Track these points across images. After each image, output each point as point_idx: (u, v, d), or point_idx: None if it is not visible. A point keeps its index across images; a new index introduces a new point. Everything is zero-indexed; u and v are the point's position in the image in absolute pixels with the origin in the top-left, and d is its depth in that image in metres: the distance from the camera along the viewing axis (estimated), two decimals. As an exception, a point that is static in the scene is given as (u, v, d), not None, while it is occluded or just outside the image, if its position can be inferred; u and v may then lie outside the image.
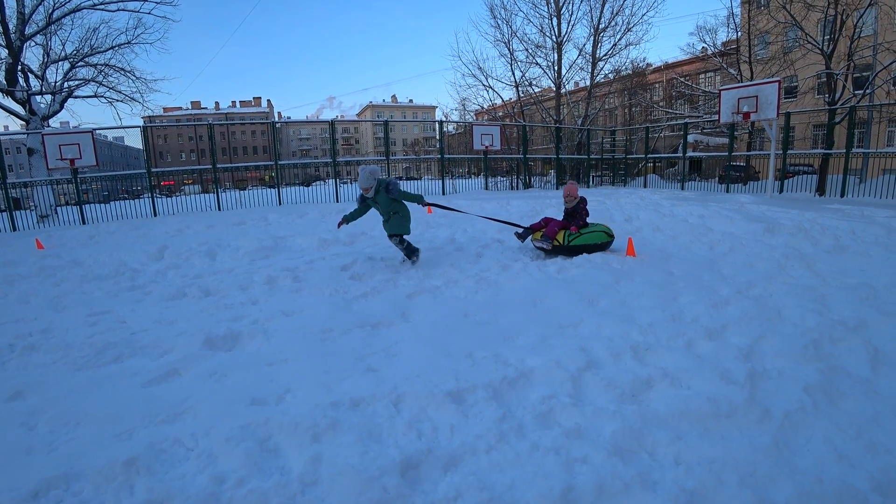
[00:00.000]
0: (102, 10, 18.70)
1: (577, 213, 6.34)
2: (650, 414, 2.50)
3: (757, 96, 12.26)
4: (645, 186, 18.53)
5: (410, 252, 6.04)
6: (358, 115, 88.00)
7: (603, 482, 1.98)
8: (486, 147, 16.67)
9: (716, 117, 14.63)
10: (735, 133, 16.58)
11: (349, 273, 5.71)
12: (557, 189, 18.38)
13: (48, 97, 18.83)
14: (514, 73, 22.53)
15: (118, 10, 18.84)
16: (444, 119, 20.23)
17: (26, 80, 18.34)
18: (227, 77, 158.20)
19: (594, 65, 22.19)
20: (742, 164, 18.06)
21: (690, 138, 21.84)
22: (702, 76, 32.40)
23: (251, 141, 76.27)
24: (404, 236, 6.03)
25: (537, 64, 22.37)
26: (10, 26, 17.23)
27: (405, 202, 5.96)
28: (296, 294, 4.95)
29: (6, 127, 53.85)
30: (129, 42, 19.41)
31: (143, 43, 19.85)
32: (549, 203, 11.39)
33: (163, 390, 2.99)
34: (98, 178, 16.13)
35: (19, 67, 17.79)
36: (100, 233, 10.79)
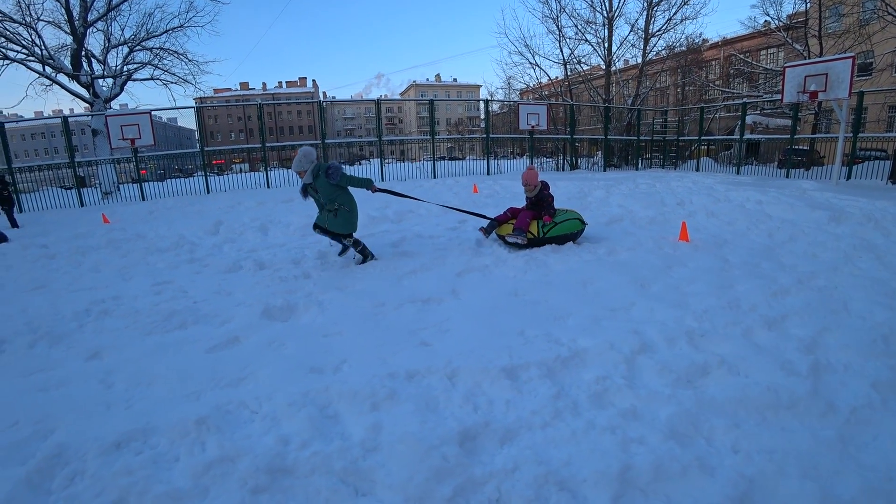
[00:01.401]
0: None
1: (542, 200, 5.79)
2: (706, 400, 2.45)
3: (826, 74, 11.39)
4: (697, 170, 17.75)
5: (363, 253, 5.22)
6: (402, 94, 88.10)
7: (660, 463, 1.97)
8: (533, 127, 16.35)
9: (777, 97, 13.77)
10: (799, 114, 15.56)
11: (398, 250, 5.77)
12: (605, 171, 17.88)
13: (109, 80, 19.85)
14: (562, 51, 21.86)
15: None
16: (489, 98, 19.93)
17: (90, 64, 19.38)
18: (273, 58, 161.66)
19: (647, 41, 21.21)
20: (805, 147, 16.98)
21: (748, 119, 20.68)
22: (763, 52, 30.39)
23: (297, 121, 77.93)
24: (354, 235, 5.23)
25: (587, 41, 21.59)
26: (74, 13, 18.16)
27: (351, 192, 5.17)
28: (346, 269, 5.08)
29: (72, 110, 57.24)
30: (181, 25, 20.14)
31: (195, 26, 20.57)
32: (596, 185, 11.11)
33: (225, 356, 3.17)
34: (155, 157, 16.93)
35: (83, 53, 18.80)
36: (158, 208, 11.39)
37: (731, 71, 28.15)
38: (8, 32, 17.60)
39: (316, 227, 5.18)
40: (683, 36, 22.52)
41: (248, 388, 2.69)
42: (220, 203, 11.48)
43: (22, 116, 42.48)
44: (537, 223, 5.69)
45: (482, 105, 17.27)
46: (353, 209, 5.14)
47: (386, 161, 16.05)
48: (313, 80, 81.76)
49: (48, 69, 18.55)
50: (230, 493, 1.91)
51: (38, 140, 70.37)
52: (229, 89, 74.94)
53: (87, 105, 19.81)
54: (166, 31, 20.02)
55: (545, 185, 5.88)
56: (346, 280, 4.58)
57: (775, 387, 2.50)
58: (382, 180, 15.49)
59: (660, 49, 22.13)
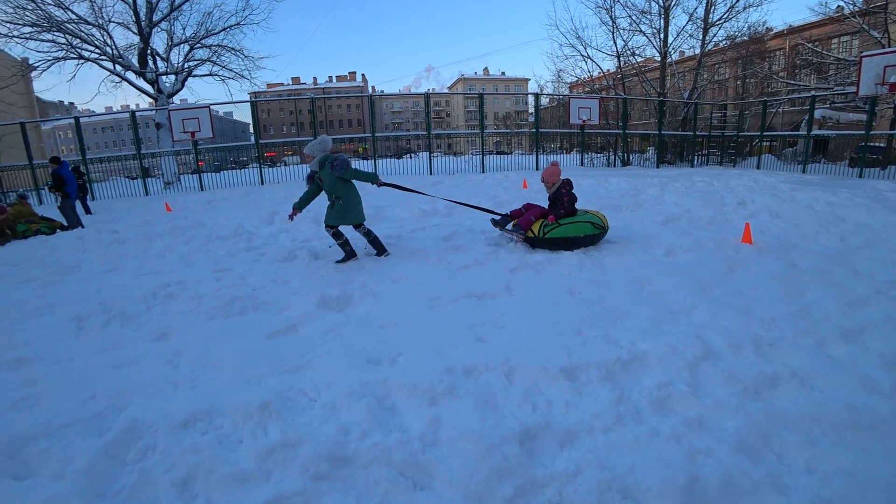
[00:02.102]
0: None
1: (558, 199, 5.47)
2: (777, 413, 2.32)
3: (910, 64, 10.53)
4: (758, 168, 16.82)
5: (345, 248, 5.22)
6: (449, 88, 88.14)
7: (730, 478, 1.87)
8: (584, 121, 15.98)
9: (850, 90, 12.78)
10: (876, 108, 14.41)
11: (450, 244, 5.76)
12: (658, 168, 17.26)
13: (172, 77, 21.01)
14: (615, 42, 21.15)
15: None
16: (539, 92, 19.64)
17: (154, 62, 20.61)
18: (324, 53, 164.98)
19: (706, 31, 20.22)
20: (881, 144, 15.75)
21: (817, 114, 19.35)
22: (835, 41, 28.28)
23: (346, 115, 79.72)
24: (339, 228, 5.20)
25: (641, 31, 20.76)
26: (141, 14, 19.35)
27: (355, 186, 5.20)
28: (400, 262, 5.12)
29: (137, 105, 60.86)
30: (238, 23, 21.08)
31: (251, 24, 21.46)
32: (650, 182, 10.74)
33: (284, 343, 3.26)
34: (212, 150, 17.71)
35: (149, 51, 19.99)
36: (216, 198, 11.91)
37: (798, 61, 26.38)
38: (83, 34, 18.95)
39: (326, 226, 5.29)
40: (746, 25, 21.28)
41: (306, 375, 2.76)
42: (274, 194, 11.88)
43: (94, 111, 45.48)
44: (541, 222, 5.36)
45: (530, 99, 17.01)
46: (351, 204, 5.10)
47: (433, 155, 16.12)
48: (362, 75, 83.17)
49: (118, 67, 19.87)
50: (292, 478, 1.95)
51: (108, 133, 75.05)
52: (282, 84, 77.32)
53: (151, 100, 21.05)
54: (224, 29, 21.00)
55: (565, 184, 5.51)
56: (400, 272, 4.62)
57: (854, 404, 2.33)
58: (431, 174, 15.58)
59: (719, 39, 21.05)
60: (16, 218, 9.87)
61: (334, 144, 5.52)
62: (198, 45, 21.18)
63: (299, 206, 5.27)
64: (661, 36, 20.27)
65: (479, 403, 2.24)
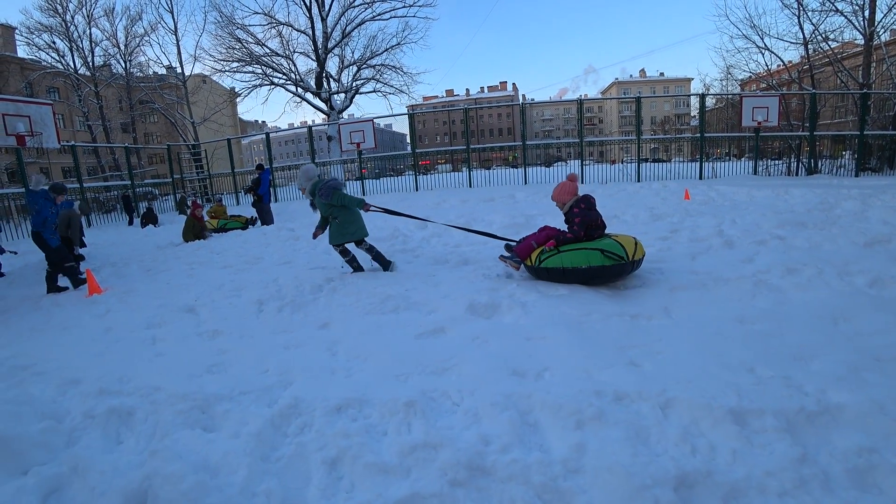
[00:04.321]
0: (379, 20, 23.18)
1: (569, 221, 4.57)
2: None
3: None
4: None
5: (352, 265, 5.60)
6: (602, 92, 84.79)
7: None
8: (759, 123, 14.00)
9: None
10: None
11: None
12: (857, 176, 14.32)
13: (342, 95, 23.88)
14: (801, 28, 17.86)
15: (391, 17, 23.17)
16: (704, 91, 17.72)
17: (328, 83, 23.66)
18: (476, 64, 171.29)
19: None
20: None
21: None
22: None
23: (497, 123, 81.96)
24: (346, 245, 5.52)
25: (837, 10, 17.02)
26: (318, 44, 22.39)
27: (351, 208, 5.37)
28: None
29: (313, 121, 70.13)
30: (399, 43, 23.45)
31: (409, 42, 23.74)
32: (846, 194, 8.95)
33: (431, 344, 3.40)
34: (373, 158, 19.50)
35: (324, 74, 23.06)
36: (375, 203, 13.03)
37: None
38: (274, 64, 22.93)
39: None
40: None
41: (451, 379, 2.82)
42: (428, 200, 12.58)
43: (279, 128, 53.92)
44: (541, 249, 4.53)
45: (692, 100, 15.47)
46: (347, 221, 5.35)
47: (585, 163, 15.60)
48: (513, 84, 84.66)
49: (299, 89, 23.48)
50: (430, 479, 1.98)
51: (289, 146, 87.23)
52: (436, 96, 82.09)
53: (324, 116, 24.09)
54: (386, 50, 23.56)
55: (579, 202, 4.54)
56: (550, 284, 4.47)
57: None
58: (582, 183, 15.06)
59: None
60: (216, 216, 12.08)
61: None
62: (364, 66, 23.77)
63: (321, 227, 5.69)
64: (866, 13, 16.58)
65: (629, 435, 2.05)
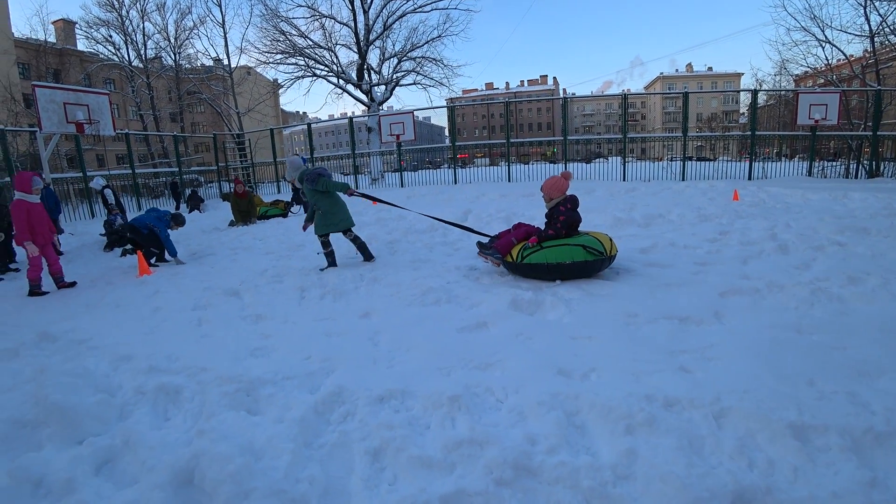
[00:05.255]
0: (420, 12, 23.16)
1: (552, 217, 4.66)
2: None
3: None
4: None
5: (328, 258, 5.68)
6: (646, 87, 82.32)
7: None
8: (816, 121, 13.27)
9: None
10: None
11: (649, 257, 5.33)
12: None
13: (382, 87, 24.06)
14: (867, 18, 16.66)
15: (432, 9, 23.15)
16: (756, 87, 16.92)
17: (369, 75, 23.91)
18: (516, 58, 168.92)
19: None
20: None
21: None
22: None
23: (536, 118, 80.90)
24: (329, 236, 5.65)
25: None
26: (360, 36, 22.63)
27: (337, 196, 5.54)
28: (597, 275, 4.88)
29: (353, 112, 70.89)
30: (439, 36, 23.41)
31: (450, 35, 23.62)
32: (912, 199, 8.40)
33: (474, 338, 3.37)
34: (412, 150, 19.58)
35: (365, 66, 23.28)
36: (415, 195, 13.11)
37: None
38: (317, 56, 23.33)
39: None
40: None
41: (495, 375, 2.79)
42: (467, 193, 12.56)
43: (320, 119, 54.67)
44: (521, 245, 4.65)
45: (742, 96, 14.79)
46: (330, 212, 5.49)
47: (627, 160, 15.19)
48: (553, 78, 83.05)
49: (340, 81, 23.78)
50: (475, 476, 1.95)
51: (329, 136, 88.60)
52: (476, 90, 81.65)
53: (364, 108, 24.35)
54: (427, 42, 23.48)
55: (565, 201, 4.66)
56: (593, 283, 4.39)
57: None
58: (624, 180, 14.68)
59: None
60: (257, 203, 12.42)
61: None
62: (405, 58, 23.86)
63: (309, 219, 5.90)
64: (944, 4, 15.38)
65: (682, 444, 1.97)
